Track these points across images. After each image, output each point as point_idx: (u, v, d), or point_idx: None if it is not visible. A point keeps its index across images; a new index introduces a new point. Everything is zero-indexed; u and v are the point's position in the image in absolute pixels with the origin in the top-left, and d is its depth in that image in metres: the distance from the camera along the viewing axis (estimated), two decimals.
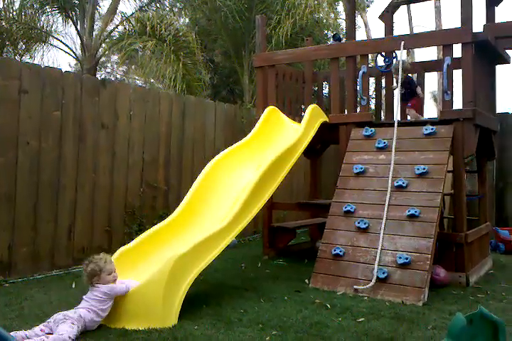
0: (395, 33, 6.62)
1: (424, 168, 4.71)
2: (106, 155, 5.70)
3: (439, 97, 18.25)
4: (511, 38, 5.50)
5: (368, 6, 22.97)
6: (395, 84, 5.94)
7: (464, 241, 4.80)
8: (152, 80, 12.83)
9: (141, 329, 3.26)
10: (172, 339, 3.09)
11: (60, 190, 5.21)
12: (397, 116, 5.45)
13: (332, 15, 13.68)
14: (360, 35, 24.93)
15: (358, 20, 21.32)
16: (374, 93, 8.33)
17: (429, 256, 4.22)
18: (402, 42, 5.28)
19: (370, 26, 30.93)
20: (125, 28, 11.08)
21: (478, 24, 5.68)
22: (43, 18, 10.95)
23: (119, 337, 3.14)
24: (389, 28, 6.68)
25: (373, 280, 4.22)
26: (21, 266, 4.83)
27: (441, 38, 5.25)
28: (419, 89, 5.77)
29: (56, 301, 3.93)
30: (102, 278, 3.41)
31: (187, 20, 13.66)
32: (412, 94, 5.75)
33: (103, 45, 11.52)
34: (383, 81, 6.78)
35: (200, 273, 3.82)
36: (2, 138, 4.72)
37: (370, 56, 6.08)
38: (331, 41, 6.71)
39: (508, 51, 5.85)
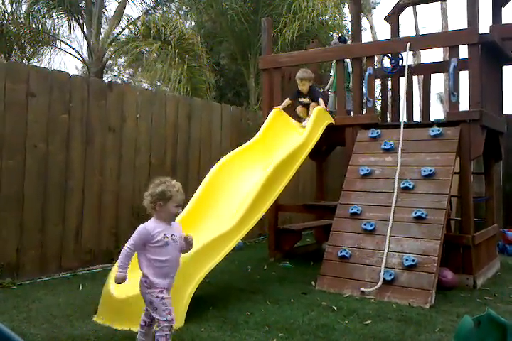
0: (401, 34, 6.61)
1: (430, 170, 4.70)
2: (113, 157, 5.72)
3: (446, 99, 18.19)
4: None
5: (374, 8, 22.98)
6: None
7: (471, 243, 4.77)
8: (158, 83, 12.87)
9: None
10: None
11: (68, 193, 5.23)
12: (403, 118, 5.43)
13: (338, 17, 13.67)
14: (366, 36, 24.88)
15: (364, 21, 21.32)
16: (380, 95, 8.32)
17: (436, 258, 4.20)
18: (408, 44, 5.27)
19: (376, 28, 30.90)
20: (131, 32, 11.14)
21: (485, 25, 5.66)
22: (50, 22, 11.04)
23: (125, 339, 3.15)
24: (395, 29, 6.68)
25: (380, 283, 4.21)
26: (29, 269, 4.85)
27: (447, 39, 5.24)
28: (321, 102, 5.71)
29: (64, 303, 3.95)
30: (166, 206, 2.85)
31: (193, 23, 13.71)
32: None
33: (110, 48, 11.58)
34: (389, 83, 6.78)
35: (207, 275, 3.83)
36: (10, 141, 4.75)
37: (376, 58, 6.08)
38: (333, 41, 6.70)
39: None
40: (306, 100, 5.77)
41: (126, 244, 2.81)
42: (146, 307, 2.90)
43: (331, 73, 6.74)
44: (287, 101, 5.88)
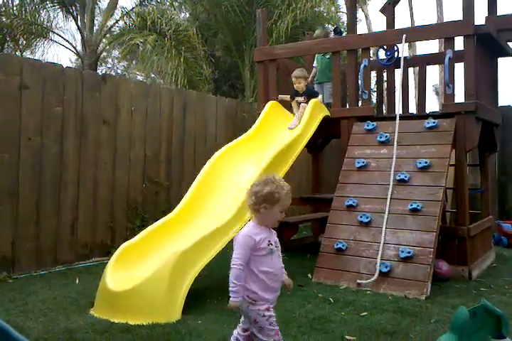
0: (397, 26, 6.58)
1: (426, 162, 4.70)
2: (107, 150, 5.69)
3: (441, 91, 18.19)
4: None
5: None
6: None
7: (466, 234, 4.79)
8: (153, 75, 12.80)
9: (144, 324, 3.27)
10: (176, 333, 3.10)
11: (63, 186, 5.21)
12: (398, 110, 5.42)
13: (333, 8, 13.61)
14: (361, 28, 24.78)
15: (359, 13, 21.20)
16: (375, 87, 8.30)
17: (432, 249, 4.22)
18: (404, 36, 5.26)
19: (372, 19, 30.74)
20: (125, 23, 11.06)
21: (481, 16, 5.65)
22: (43, 14, 10.94)
23: (122, 332, 3.14)
24: (390, 21, 6.65)
25: (376, 275, 4.22)
26: (25, 262, 4.84)
27: (442, 30, 5.22)
28: (320, 98, 5.70)
29: (60, 297, 3.94)
30: (271, 210, 2.42)
31: (187, 14, 13.62)
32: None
33: (104, 40, 11.49)
34: (385, 74, 6.76)
35: (203, 268, 3.83)
36: (4, 134, 4.71)
37: (371, 49, 6.06)
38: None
39: (510, 44, 5.82)
40: (300, 99, 5.63)
41: (232, 263, 2.41)
42: (243, 321, 2.54)
43: (314, 64, 6.72)
44: (287, 97, 5.81)
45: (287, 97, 5.82)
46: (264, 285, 2.43)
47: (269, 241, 2.45)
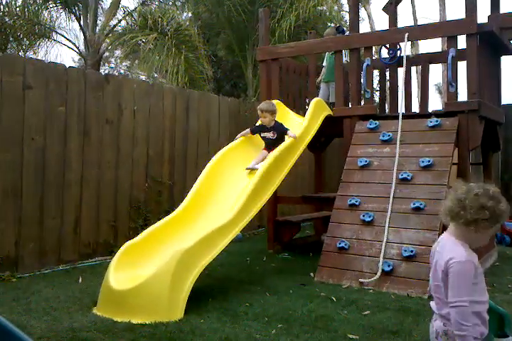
0: (399, 24, 6.57)
1: (429, 161, 4.70)
2: (110, 150, 5.70)
3: (444, 89, 18.15)
4: None
5: None
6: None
7: None
8: (156, 75, 12.81)
9: (147, 323, 3.28)
10: (178, 332, 3.11)
11: (66, 186, 5.22)
12: (401, 109, 5.42)
13: (335, 7, 13.58)
14: (364, 27, 24.74)
15: (362, 12, 21.16)
16: (378, 86, 8.28)
17: None
18: (407, 34, 5.25)
19: (374, 18, 30.73)
20: (128, 23, 11.07)
21: (483, 15, 5.63)
22: (46, 14, 10.95)
23: (125, 331, 3.15)
24: (393, 19, 6.63)
25: (378, 273, 4.22)
26: (28, 262, 4.85)
27: (445, 29, 5.22)
28: (290, 132, 4.95)
29: (63, 296, 3.95)
30: (488, 231, 1.93)
31: (189, 14, 13.62)
32: (282, 139, 4.98)
33: (106, 40, 11.50)
34: (387, 73, 6.75)
35: (206, 267, 3.84)
36: (7, 134, 4.72)
37: (374, 48, 6.05)
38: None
39: None
40: (270, 134, 5.03)
41: (455, 300, 1.88)
42: None
43: (324, 64, 6.74)
44: (247, 132, 5.21)
45: (247, 132, 5.19)
46: (481, 317, 1.95)
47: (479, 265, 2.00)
